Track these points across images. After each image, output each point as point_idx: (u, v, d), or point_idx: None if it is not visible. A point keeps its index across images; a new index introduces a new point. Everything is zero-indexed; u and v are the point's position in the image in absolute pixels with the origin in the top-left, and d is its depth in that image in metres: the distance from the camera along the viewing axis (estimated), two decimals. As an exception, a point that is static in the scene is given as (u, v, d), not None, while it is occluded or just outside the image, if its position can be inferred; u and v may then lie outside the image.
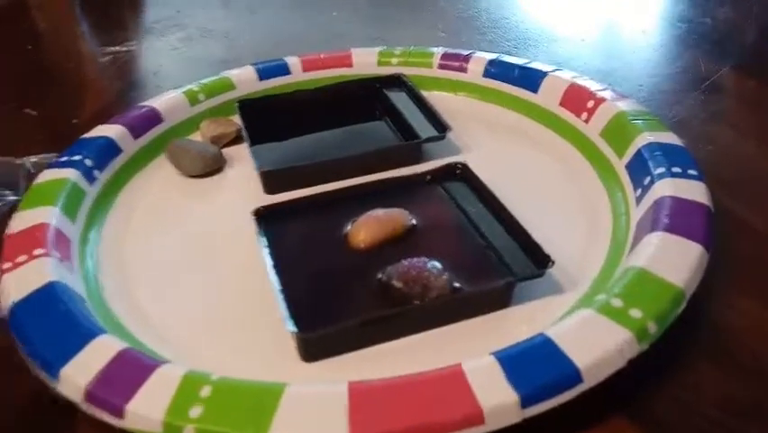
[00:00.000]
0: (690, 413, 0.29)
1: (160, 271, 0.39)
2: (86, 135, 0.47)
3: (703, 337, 0.33)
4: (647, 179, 0.39)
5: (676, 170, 0.39)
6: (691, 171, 0.39)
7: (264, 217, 0.39)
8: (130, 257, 0.40)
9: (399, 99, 0.52)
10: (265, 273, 0.34)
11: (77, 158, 0.44)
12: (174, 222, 0.43)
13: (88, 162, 0.44)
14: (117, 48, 0.72)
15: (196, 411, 0.26)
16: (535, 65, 0.52)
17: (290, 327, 0.31)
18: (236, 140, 0.51)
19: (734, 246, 0.39)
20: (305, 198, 0.42)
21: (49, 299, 0.33)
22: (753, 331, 0.33)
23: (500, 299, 0.34)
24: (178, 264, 0.39)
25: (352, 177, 0.44)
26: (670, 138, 0.42)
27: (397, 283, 0.34)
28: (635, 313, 0.29)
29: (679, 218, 0.35)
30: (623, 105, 0.45)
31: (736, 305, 0.35)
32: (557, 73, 0.50)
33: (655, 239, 0.34)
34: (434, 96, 0.53)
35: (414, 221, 0.39)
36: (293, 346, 0.32)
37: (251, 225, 0.39)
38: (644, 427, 0.29)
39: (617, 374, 0.29)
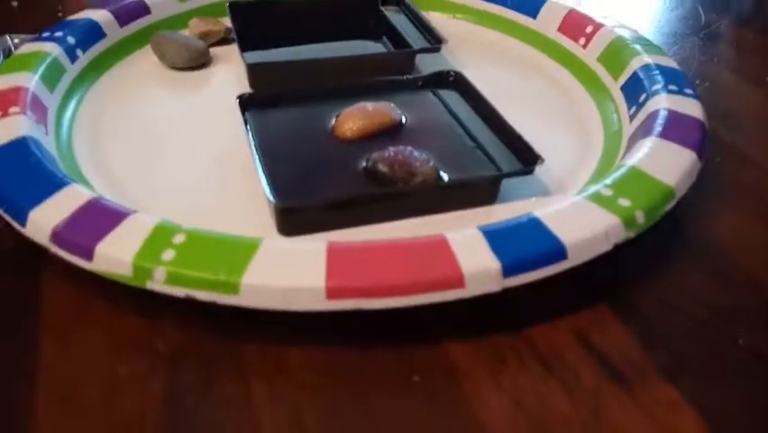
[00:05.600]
0: (671, 309, 0.29)
1: (137, 148, 0.37)
2: (71, 17, 0.46)
3: (690, 245, 0.33)
4: (642, 96, 0.38)
5: (672, 87, 0.38)
6: (688, 91, 0.38)
7: (249, 105, 0.38)
8: (107, 133, 0.38)
9: (398, 20, 0.51)
10: (247, 157, 0.33)
11: (59, 34, 0.43)
12: (154, 107, 0.41)
13: (71, 40, 0.42)
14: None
15: (168, 255, 0.25)
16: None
17: (270, 197, 0.30)
18: (224, 41, 0.49)
19: (723, 171, 0.38)
20: (292, 89, 0.40)
21: (20, 150, 0.31)
22: (737, 243, 0.33)
23: (487, 194, 0.33)
24: (156, 144, 0.38)
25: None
26: (668, 62, 0.41)
27: (382, 167, 0.33)
28: (624, 202, 0.29)
29: (672, 126, 0.34)
30: (622, 32, 0.45)
31: (723, 220, 0.34)
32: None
33: (648, 143, 0.33)
34: (431, 17, 0.52)
35: (403, 118, 0.38)
36: (272, 225, 0.31)
37: (234, 116, 0.37)
38: (625, 318, 0.28)
39: (604, 265, 0.29)
